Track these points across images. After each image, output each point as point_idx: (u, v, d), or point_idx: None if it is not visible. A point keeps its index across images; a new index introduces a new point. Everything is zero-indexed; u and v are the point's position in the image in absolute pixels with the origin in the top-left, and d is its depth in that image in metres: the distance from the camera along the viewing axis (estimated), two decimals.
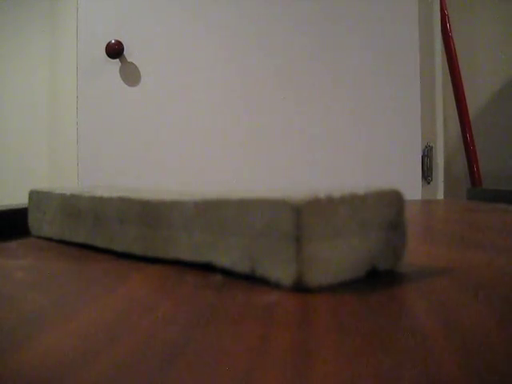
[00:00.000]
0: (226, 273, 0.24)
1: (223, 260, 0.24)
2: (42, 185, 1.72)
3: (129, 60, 1.52)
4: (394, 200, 0.24)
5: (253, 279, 0.23)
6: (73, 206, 0.34)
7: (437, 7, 1.51)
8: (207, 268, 0.25)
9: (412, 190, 1.43)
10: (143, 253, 0.29)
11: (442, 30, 1.52)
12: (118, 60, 1.51)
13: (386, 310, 0.19)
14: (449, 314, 0.18)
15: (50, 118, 1.76)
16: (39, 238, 0.38)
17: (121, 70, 1.52)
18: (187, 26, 1.50)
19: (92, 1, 1.52)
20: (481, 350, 0.14)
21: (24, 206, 0.41)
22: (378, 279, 0.23)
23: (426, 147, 1.50)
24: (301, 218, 0.21)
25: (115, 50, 1.49)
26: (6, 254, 0.33)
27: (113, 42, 1.49)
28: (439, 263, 0.28)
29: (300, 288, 0.21)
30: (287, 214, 0.21)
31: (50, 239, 0.37)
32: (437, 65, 1.51)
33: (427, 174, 1.50)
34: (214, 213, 0.25)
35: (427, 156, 1.50)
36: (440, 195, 1.52)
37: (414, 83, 1.45)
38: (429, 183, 1.51)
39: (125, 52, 1.51)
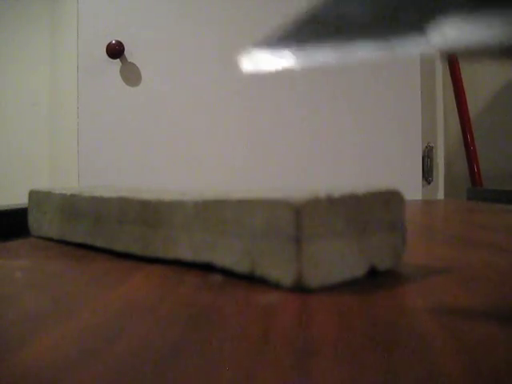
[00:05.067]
0: (226, 273, 0.24)
1: (223, 260, 0.24)
2: (42, 185, 1.72)
3: (129, 60, 1.52)
4: (393, 200, 0.24)
5: (253, 279, 0.23)
6: (73, 206, 0.34)
7: None
8: (207, 268, 0.25)
9: (412, 190, 1.43)
10: (143, 253, 0.29)
11: None
12: (118, 60, 1.51)
13: (386, 309, 0.19)
14: (448, 314, 0.18)
15: (51, 118, 1.76)
16: (39, 237, 0.38)
17: (121, 71, 1.52)
18: (188, 26, 1.50)
19: (93, 1, 1.52)
20: (481, 350, 0.14)
21: (24, 206, 0.41)
22: (378, 279, 0.23)
23: (427, 147, 1.50)
24: (301, 218, 0.21)
25: (116, 51, 1.49)
26: (6, 254, 0.33)
27: (113, 42, 1.49)
28: (439, 263, 0.28)
29: (300, 288, 0.21)
30: (287, 214, 0.21)
31: (50, 239, 0.37)
32: (437, 65, 1.51)
33: (428, 174, 1.50)
34: (213, 213, 0.25)
35: (428, 156, 1.50)
36: (440, 195, 1.52)
37: (414, 83, 1.45)
38: (429, 183, 1.51)
39: (125, 52, 1.51)
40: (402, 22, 0.14)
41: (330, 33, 0.15)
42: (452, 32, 0.13)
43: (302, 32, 0.16)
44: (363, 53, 0.14)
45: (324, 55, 0.15)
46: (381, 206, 0.24)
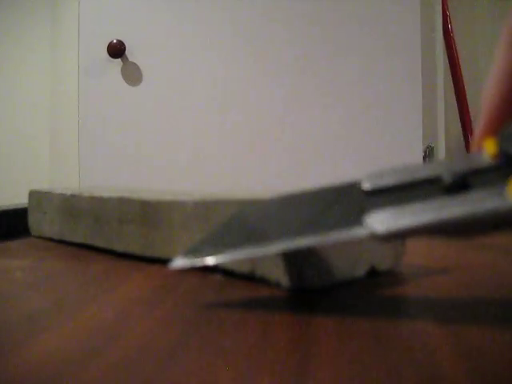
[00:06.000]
0: (226, 273, 0.24)
1: None
2: (43, 185, 1.72)
3: (130, 60, 1.51)
4: None
5: (253, 279, 0.23)
6: (73, 206, 0.34)
7: (438, 8, 1.50)
8: (207, 268, 0.25)
9: None
10: (143, 253, 0.29)
11: (443, 31, 1.52)
12: (119, 60, 1.51)
13: (386, 309, 0.19)
14: (448, 314, 0.18)
15: (52, 118, 1.76)
16: (39, 237, 0.38)
17: (122, 70, 1.52)
18: (189, 25, 1.50)
19: (94, 0, 1.52)
20: (481, 350, 0.14)
21: (24, 206, 0.41)
22: (378, 279, 0.23)
23: (427, 148, 1.49)
24: None
25: (117, 50, 1.49)
26: (6, 254, 0.33)
27: (114, 41, 1.49)
28: (439, 263, 0.28)
29: (300, 288, 0.21)
30: None
31: (50, 239, 0.37)
32: (438, 65, 1.50)
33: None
34: (213, 213, 0.25)
35: (428, 156, 1.49)
36: None
37: (415, 83, 1.45)
38: None
39: (126, 52, 1.51)
40: (332, 220, 0.17)
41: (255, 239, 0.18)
42: (386, 221, 0.16)
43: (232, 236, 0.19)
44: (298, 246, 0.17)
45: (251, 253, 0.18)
46: None
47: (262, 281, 0.22)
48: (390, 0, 1.44)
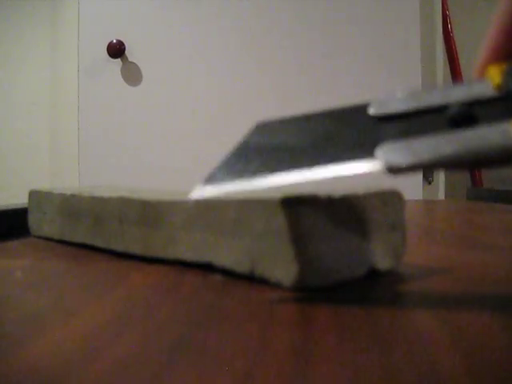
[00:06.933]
0: (226, 273, 0.24)
1: (223, 260, 0.24)
2: (42, 185, 1.72)
3: (130, 60, 1.51)
4: (393, 200, 0.24)
5: (253, 279, 0.23)
6: (73, 206, 0.34)
7: (438, 8, 1.50)
8: (207, 268, 0.25)
9: (413, 190, 1.43)
10: (143, 253, 0.29)
11: (443, 31, 1.52)
12: (119, 60, 1.51)
13: (386, 309, 0.19)
14: (448, 314, 0.18)
15: (51, 118, 1.76)
16: (39, 237, 0.38)
17: (122, 70, 1.52)
18: (189, 25, 1.50)
19: (93, 0, 1.52)
20: (481, 350, 0.14)
21: (24, 206, 0.41)
22: (378, 279, 0.23)
23: None
24: (300, 219, 0.21)
25: (117, 50, 1.49)
26: (6, 254, 0.33)
27: (114, 41, 1.49)
28: (439, 263, 0.28)
29: (300, 288, 0.21)
30: (287, 214, 0.21)
31: (50, 239, 0.37)
32: (438, 65, 1.50)
33: (428, 174, 1.50)
34: (214, 213, 0.25)
35: None
36: (441, 195, 1.52)
37: (415, 84, 1.45)
38: (430, 183, 1.51)
39: (126, 52, 1.51)
40: (341, 147, 0.18)
41: (269, 162, 0.19)
42: (398, 155, 0.16)
43: (246, 160, 0.20)
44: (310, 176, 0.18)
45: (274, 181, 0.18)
46: (380, 206, 0.24)
47: (262, 280, 0.22)
48: (389, 0, 1.44)
